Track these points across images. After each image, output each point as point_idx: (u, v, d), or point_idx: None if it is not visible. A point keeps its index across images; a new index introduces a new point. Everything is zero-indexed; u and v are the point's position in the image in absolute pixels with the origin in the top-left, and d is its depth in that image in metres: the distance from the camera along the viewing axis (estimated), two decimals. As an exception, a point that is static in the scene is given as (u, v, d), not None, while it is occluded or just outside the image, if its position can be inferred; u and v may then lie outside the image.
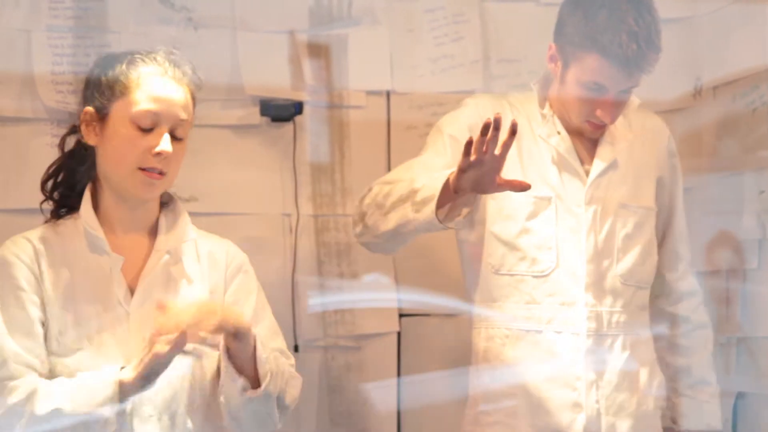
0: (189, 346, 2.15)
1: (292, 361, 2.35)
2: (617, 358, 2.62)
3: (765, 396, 2.84)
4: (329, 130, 3.12)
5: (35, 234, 2.25)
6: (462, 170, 2.33)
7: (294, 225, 3.09)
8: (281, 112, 3.07)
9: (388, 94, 3.14)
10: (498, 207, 2.64)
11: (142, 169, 2.18)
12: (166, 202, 2.33)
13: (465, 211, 2.44)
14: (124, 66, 2.20)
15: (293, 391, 2.30)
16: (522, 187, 2.35)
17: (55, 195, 2.31)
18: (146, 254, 2.26)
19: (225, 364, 2.18)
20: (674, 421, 2.76)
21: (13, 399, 2.11)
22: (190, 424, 2.21)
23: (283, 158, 3.08)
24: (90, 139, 2.23)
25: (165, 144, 2.17)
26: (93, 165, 2.25)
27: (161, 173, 2.19)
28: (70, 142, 2.31)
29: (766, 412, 2.83)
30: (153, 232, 2.29)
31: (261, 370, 2.18)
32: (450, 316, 3.04)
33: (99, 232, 2.22)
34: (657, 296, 2.77)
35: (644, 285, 2.70)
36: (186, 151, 2.26)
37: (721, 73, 2.99)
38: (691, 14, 3.10)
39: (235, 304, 2.30)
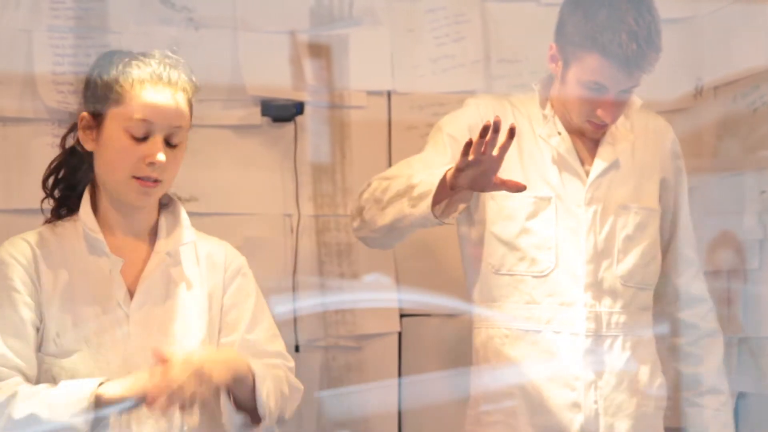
0: None
1: (292, 363, 2.34)
2: (617, 359, 2.62)
3: (766, 396, 2.84)
4: (330, 131, 3.12)
5: (33, 235, 2.25)
6: (460, 169, 2.34)
7: (295, 225, 3.09)
8: (282, 113, 3.07)
9: (389, 94, 3.14)
10: (498, 207, 2.64)
11: (137, 178, 2.18)
12: (165, 203, 2.33)
13: (461, 207, 2.46)
14: (118, 73, 2.18)
15: (293, 405, 2.31)
16: (518, 187, 2.36)
17: (56, 193, 2.30)
18: (146, 256, 2.26)
19: (224, 400, 2.18)
20: (686, 430, 2.75)
21: None
22: (186, 425, 2.21)
23: (284, 158, 3.09)
24: (87, 144, 2.23)
25: (158, 154, 2.16)
26: (91, 167, 2.25)
27: (156, 181, 2.19)
28: (72, 141, 2.30)
29: (768, 413, 2.84)
30: (153, 233, 2.29)
31: (261, 410, 2.18)
32: (451, 316, 3.04)
33: (98, 233, 2.22)
34: (665, 301, 2.76)
35: (646, 286, 2.69)
36: (186, 153, 2.25)
37: (721, 73, 2.99)
38: (692, 14, 3.09)
39: (233, 307, 2.31)
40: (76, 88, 2.94)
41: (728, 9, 2.99)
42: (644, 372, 2.65)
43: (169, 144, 2.19)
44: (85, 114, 2.22)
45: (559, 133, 2.67)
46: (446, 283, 2.98)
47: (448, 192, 2.41)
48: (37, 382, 2.17)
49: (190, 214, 2.35)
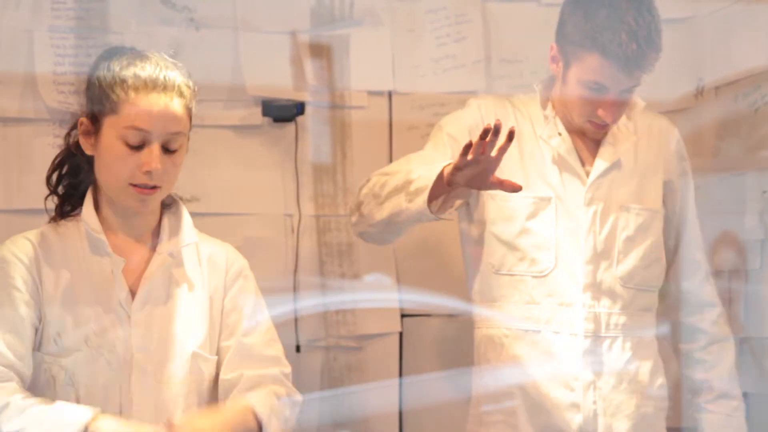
0: None
1: (288, 369, 2.32)
2: (616, 360, 2.61)
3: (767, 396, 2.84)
4: (331, 131, 3.12)
5: (36, 234, 2.25)
6: (458, 168, 2.35)
7: (296, 225, 3.09)
8: (283, 113, 3.07)
9: (389, 94, 3.14)
10: (498, 207, 2.64)
11: (134, 185, 2.17)
12: (168, 204, 2.32)
13: (457, 202, 2.47)
14: (113, 80, 2.17)
15: (293, 419, 2.30)
16: (514, 188, 2.37)
17: (60, 189, 2.30)
18: (148, 256, 2.26)
19: None
20: None
21: None
22: None
23: (285, 158, 3.09)
24: (86, 149, 2.22)
25: (154, 162, 2.15)
26: (92, 167, 2.25)
27: (154, 187, 2.18)
28: (75, 138, 2.29)
29: (769, 413, 2.84)
30: (155, 234, 2.28)
31: None
32: (451, 316, 3.04)
33: (101, 234, 2.22)
34: (673, 306, 2.75)
35: (647, 288, 2.68)
36: (187, 155, 2.24)
37: (723, 74, 2.99)
38: (693, 14, 3.09)
39: (233, 310, 2.30)
40: (77, 88, 2.93)
41: (729, 9, 2.98)
42: (644, 373, 2.65)
43: (167, 150, 2.18)
44: (83, 119, 2.21)
45: (560, 134, 2.67)
46: (447, 284, 2.98)
47: (445, 188, 2.42)
48: (36, 381, 2.17)
49: (191, 214, 2.35)
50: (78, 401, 2.15)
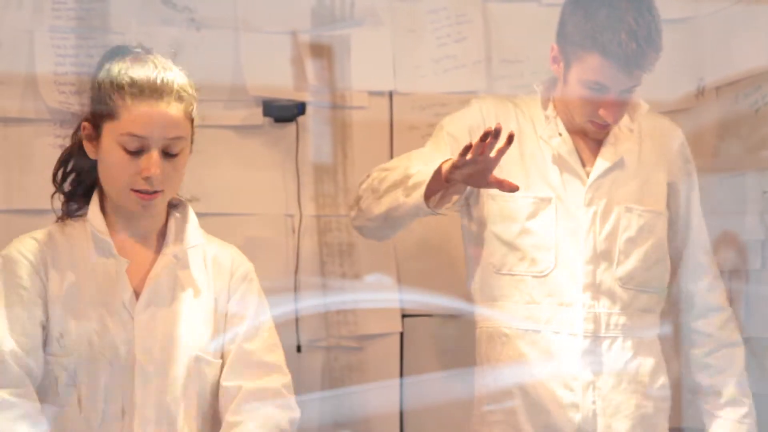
0: None
1: (287, 378, 2.31)
2: (615, 360, 2.61)
3: (768, 396, 2.84)
4: (332, 131, 3.12)
5: (43, 234, 2.24)
6: (456, 167, 2.36)
7: (296, 225, 3.09)
8: (284, 113, 3.07)
9: (390, 94, 3.14)
10: (499, 207, 2.64)
11: (135, 191, 2.17)
12: (175, 204, 2.32)
13: (455, 198, 2.47)
14: (112, 85, 2.16)
15: None
16: (511, 188, 2.38)
17: (66, 187, 2.29)
18: (153, 258, 2.25)
19: None
20: None
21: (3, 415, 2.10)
22: (188, 430, 2.21)
23: (286, 159, 3.09)
24: (90, 153, 2.22)
25: (153, 168, 2.14)
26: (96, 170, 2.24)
27: (156, 192, 2.17)
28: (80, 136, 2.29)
29: (770, 413, 2.83)
30: (161, 234, 2.28)
31: None
32: (452, 316, 3.04)
33: (106, 235, 2.22)
34: (680, 310, 2.74)
35: (649, 289, 2.67)
36: (190, 157, 2.24)
37: (723, 74, 2.99)
38: (694, 15, 3.09)
39: (237, 314, 2.29)
40: (77, 89, 2.94)
41: (730, 9, 2.99)
42: (645, 373, 2.65)
43: (168, 154, 2.17)
44: (86, 124, 2.21)
45: (560, 134, 2.67)
46: (448, 284, 2.99)
47: (443, 184, 2.43)
48: (40, 382, 2.17)
49: (192, 214, 2.36)
50: (79, 402, 2.16)
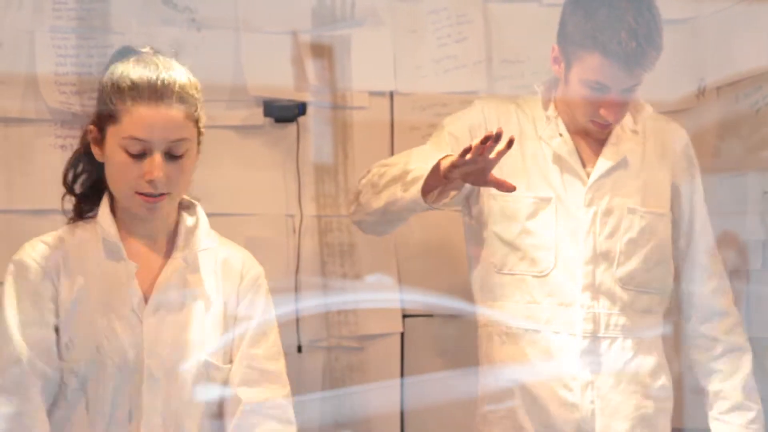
0: None
1: (287, 389, 2.29)
2: (615, 360, 2.61)
3: (769, 397, 2.84)
4: (332, 131, 3.12)
5: (54, 238, 2.22)
6: (455, 166, 2.37)
7: (297, 225, 3.09)
8: (284, 113, 3.07)
9: (391, 94, 3.14)
10: (500, 207, 2.65)
11: (140, 194, 2.15)
12: (187, 206, 2.30)
13: (452, 194, 2.48)
14: (113, 88, 2.14)
15: None
16: (508, 188, 2.38)
17: (77, 189, 2.27)
18: (163, 261, 2.23)
19: None
20: None
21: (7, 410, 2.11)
22: None
23: (287, 159, 3.09)
24: (97, 156, 2.20)
25: (156, 171, 2.12)
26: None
27: (161, 195, 2.15)
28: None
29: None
30: (172, 236, 2.26)
31: None
32: (453, 316, 3.04)
33: (116, 238, 2.20)
34: (685, 313, 2.73)
35: (650, 290, 2.67)
36: (198, 159, 2.23)
37: (724, 74, 2.99)
38: (695, 15, 3.09)
39: (245, 318, 2.27)
40: (78, 89, 2.94)
41: (731, 10, 2.98)
42: (645, 374, 2.64)
43: (172, 156, 2.15)
44: (92, 127, 2.20)
45: (561, 135, 2.67)
46: (448, 284, 2.99)
47: (441, 180, 2.43)
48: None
49: (192, 214, 2.35)
50: (87, 406, 2.15)
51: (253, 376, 2.24)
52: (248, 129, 3.08)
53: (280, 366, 2.29)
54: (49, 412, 2.16)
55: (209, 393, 2.23)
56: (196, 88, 2.21)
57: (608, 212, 2.64)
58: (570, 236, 2.62)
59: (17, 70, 2.94)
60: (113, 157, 2.15)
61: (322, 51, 3.11)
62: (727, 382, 2.69)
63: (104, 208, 2.22)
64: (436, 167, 2.42)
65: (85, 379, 2.15)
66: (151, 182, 2.13)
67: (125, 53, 2.22)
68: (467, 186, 2.51)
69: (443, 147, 2.64)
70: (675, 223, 2.72)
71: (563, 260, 2.61)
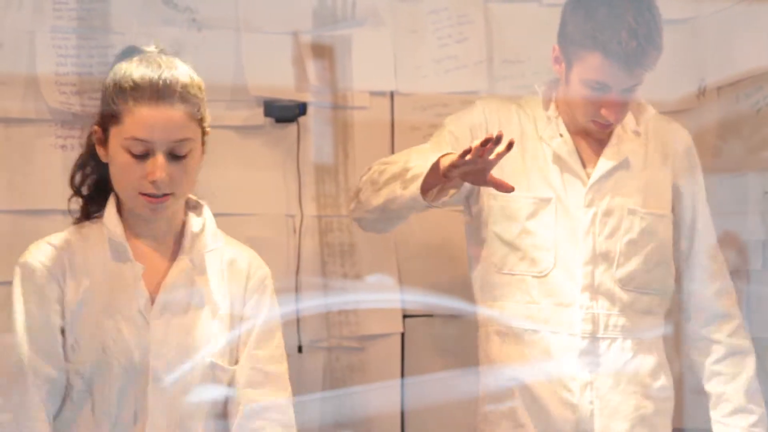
0: None
1: (288, 392, 2.28)
2: (614, 361, 2.61)
3: (769, 397, 2.83)
4: (333, 131, 3.12)
5: (60, 239, 2.21)
6: (455, 166, 2.37)
7: (298, 226, 3.09)
8: (285, 113, 3.07)
9: (391, 94, 3.14)
10: (500, 207, 2.65)
11: (143, 194, 2.14)
12: (193, 206, 2.29)
13: (451, 192, 2.47)
14: (115, 88, 2.14)
15: None
16: (506, 189, 2.38)
17: (84, 189, 2.26)
18: (170, 262, 2.22)
19: None
20: None
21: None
22: None
23: (287, 159, 3.09)
24: (102, 157, 2.20)
25: (158, 172, 2.11)
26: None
27: (165, 195, 2.14)
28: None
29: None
30: (179, 236, 2.25)
31: None
32: (454, 317, 3.04)
33: (122, 239, 2.19)
34: (686, 313, 2.73)
35: (650, 291, 2.66)
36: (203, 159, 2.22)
37: (725, 74, 2.99)
38: (695, 15, 3.10)
39: (251, 319, 2.26)
40: (78, 89, 2.94)
41: (731, 10, 2.99)
42: (645, 374, 2.64)
43: (176, 156, 2.14)
44: (96, 128, 2.19)
45: (561, 135, 2.67)
46: (449, 284, 2.99)
47: (440, 178, 2.43)
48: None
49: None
50: (92, 407, 2.15)
51: (258, 377, 2.24)
52: (249, 129, 3.08)
53: (283, 368, 2.29)
54: (55, 415, 2.16)
55: (214, 394, 2.22)
56: (200, 88, 2.20)
57: (608, 213, 2.64)
58: (569, 236, 2.62)
59: (18, 71, 2.94)
60: (116, 157, 2.15)
61: (322, 51, 3.11)
62: (729, 385, 2.68)
63: (110, 208, 2.21)
64: (436, 165, 2.42)
65: (90, 380, 2.14)
66: (153, 183, 2.12)
67: (129, 53, 2.22)
68: (467, 185, 2.51)
69: (444, 146, 2.64)
70: (677, 224, 2.71)
71: (563, 260, 2.61)
